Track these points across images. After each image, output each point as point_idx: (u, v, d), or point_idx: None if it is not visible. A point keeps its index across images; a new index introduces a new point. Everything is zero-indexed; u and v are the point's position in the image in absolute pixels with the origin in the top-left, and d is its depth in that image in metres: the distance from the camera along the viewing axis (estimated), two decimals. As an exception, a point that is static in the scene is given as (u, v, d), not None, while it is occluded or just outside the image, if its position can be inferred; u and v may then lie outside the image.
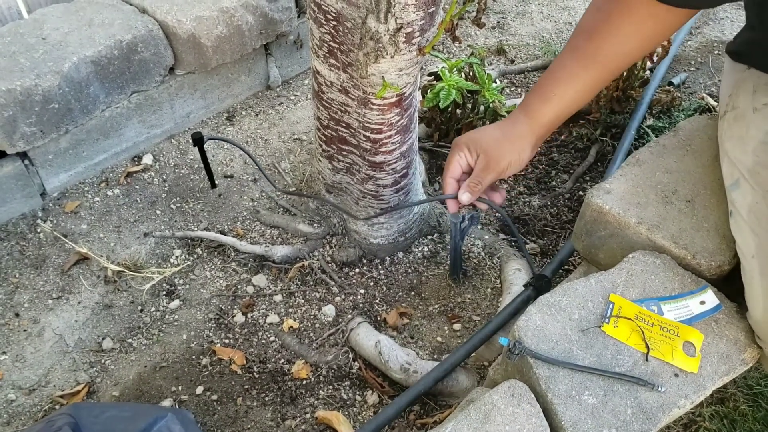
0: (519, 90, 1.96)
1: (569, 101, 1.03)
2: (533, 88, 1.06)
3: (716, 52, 2.03)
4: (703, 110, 1.77)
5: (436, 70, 1.58)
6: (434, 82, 1.56)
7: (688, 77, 1.93)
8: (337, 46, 1.11)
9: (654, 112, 1.77)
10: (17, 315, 1.35)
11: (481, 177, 1.06)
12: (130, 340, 1.32)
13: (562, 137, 1.77)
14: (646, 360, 0.93)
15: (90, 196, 1.58)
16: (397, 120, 1.19)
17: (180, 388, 1.25)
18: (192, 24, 1.57)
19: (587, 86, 1.03)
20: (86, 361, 1.29)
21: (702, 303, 1.00)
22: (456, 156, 1.08)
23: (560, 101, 1.03)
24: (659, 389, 0.90)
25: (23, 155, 1.47)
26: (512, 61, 2.05)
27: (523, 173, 1.68)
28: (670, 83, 1.87)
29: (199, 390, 1.24)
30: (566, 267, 1.40)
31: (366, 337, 1.27)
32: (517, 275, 1.37)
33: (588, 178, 1.66)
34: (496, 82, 1.78)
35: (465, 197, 1.08)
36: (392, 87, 1.09)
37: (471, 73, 1.60)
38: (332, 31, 1.09)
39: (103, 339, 1.32)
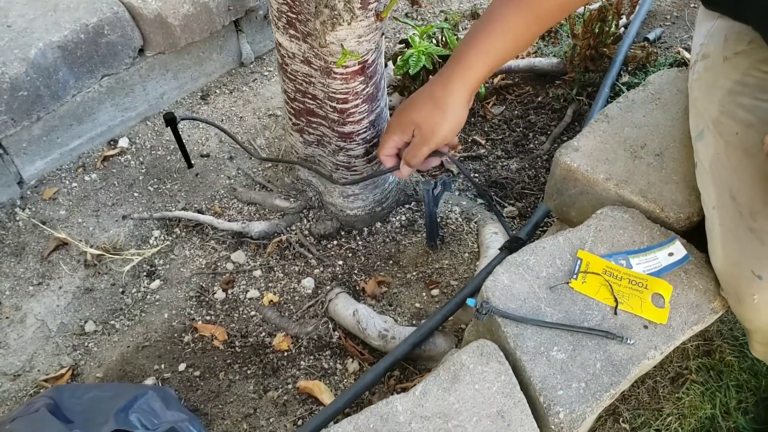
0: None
1: (502, 53, 1.01)
2: (466, 40, 1.02)
3: (692, 5, 2.01)
4: (679, 64, 1.75)
5: (406, 37, 1.57)
6: (405, 49, 1.55)
7: (663, 32, 1.91)
8: (294, 16, 1.10)
9: (630, 68, 1.75)
10: (-1, 303, 1.36)
11: (417, 149, 1.08)
12: (112, 322, 1.33)
13: (539, 99, 1.76)
14: (615, 314, 0.94)
15: (67, 182, 1.58)
16: (363, 89, 1.18)
17: (163, 366, 1.26)
18: (158, 4, 1.55)
19: (521, 36, 1.00)
20: (69, 345, 1.30)
21: (670, 254, 1.00)
22: (389, 139, 1.10)
23: (496, 54, 1.01)
24: (628, 342, 0.90)
25: (-4, 144, 1.47)
26: (488, 25, 2.03)
27: (500, 137, 1.68)
28: (646, 39, 1.85)
29: (182, 367, 1.26)
30: (543, 228, 1.40)
31: (344, 307, 1.27)
32: (494, 238, 1.37)
33: (566, 138, 1.65)
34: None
35: (405, 171, 1.12)
36: (352, 55, 1.08)
37: (443, 39, 1.58)
38: (289, 1, 1.08)
39: (86, 322, 1.33)
